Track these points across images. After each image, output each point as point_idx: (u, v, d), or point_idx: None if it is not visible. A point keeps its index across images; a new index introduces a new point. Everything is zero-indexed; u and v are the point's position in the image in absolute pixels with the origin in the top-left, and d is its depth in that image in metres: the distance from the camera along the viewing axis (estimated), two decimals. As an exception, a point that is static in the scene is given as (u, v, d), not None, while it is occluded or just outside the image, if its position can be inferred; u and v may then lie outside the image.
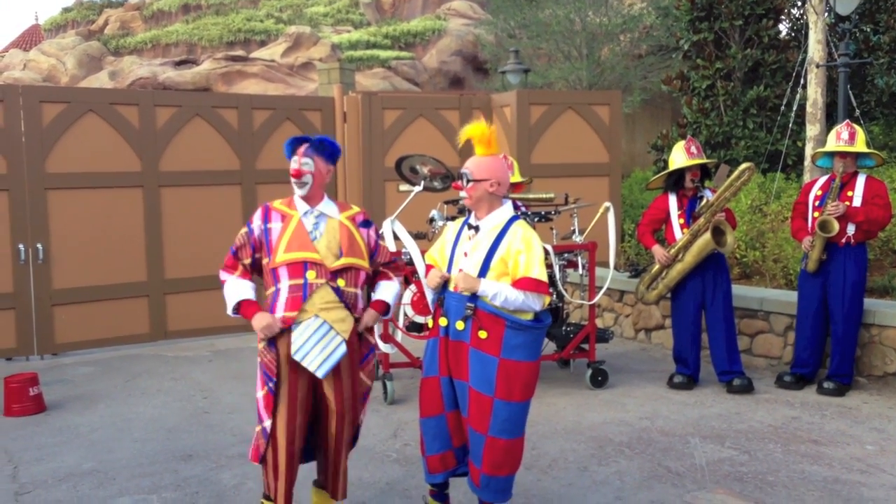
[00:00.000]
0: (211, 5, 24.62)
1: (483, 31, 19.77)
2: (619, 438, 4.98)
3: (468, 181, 3.52)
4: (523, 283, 3.38)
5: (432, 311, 3.66)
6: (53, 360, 7.33)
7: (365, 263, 3.63)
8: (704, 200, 6.02)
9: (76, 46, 22.59)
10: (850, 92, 9.24)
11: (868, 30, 11.99)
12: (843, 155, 5.74)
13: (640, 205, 10.67)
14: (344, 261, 3.55)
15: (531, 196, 6.40)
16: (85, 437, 5.18)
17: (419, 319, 5.93)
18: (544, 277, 3.40)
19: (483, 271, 3.44)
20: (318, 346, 3.46)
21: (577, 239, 6.37)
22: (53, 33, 26.77)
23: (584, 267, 6.30)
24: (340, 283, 3.53)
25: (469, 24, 21.99)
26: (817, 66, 9.84)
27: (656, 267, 6.23)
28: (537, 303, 3.43)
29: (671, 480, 4.30)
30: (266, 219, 3.62)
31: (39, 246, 7.33)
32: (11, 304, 7.26)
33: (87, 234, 7.56)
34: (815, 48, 9.92)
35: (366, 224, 3.73)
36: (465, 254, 3.53)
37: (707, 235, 5.88)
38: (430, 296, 3.69)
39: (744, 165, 5.89)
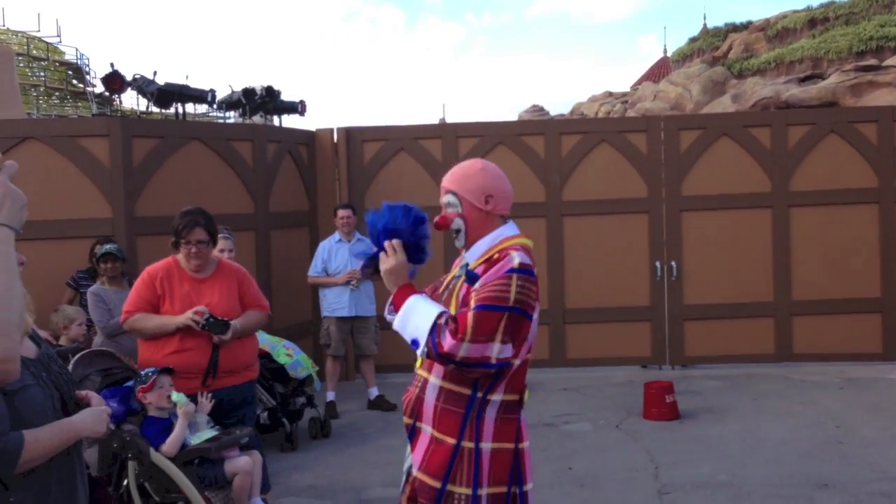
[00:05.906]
0: (840, 16, 23.45)
1: None
2: None
3: None
4: None
5: None
6: (683, 371, 7.78)
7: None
8: None
9: (701, 74, 23.73)
10: None
11: None
12: None
13: None
14: None
15: None
16: (716, 449, 5.37)
17: None
18: None
19: None
20: None
21: None
22: (680, 63, 28.65)
23: None
24: None
25: None
26: None
27: None
28: None
29: None
30: None
31: (673, 263, 7.88)
32: (648, 317, 7.94)
33: (717, 253, 7.84)
34: None
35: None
36: None
37: None
38: None
39: None
